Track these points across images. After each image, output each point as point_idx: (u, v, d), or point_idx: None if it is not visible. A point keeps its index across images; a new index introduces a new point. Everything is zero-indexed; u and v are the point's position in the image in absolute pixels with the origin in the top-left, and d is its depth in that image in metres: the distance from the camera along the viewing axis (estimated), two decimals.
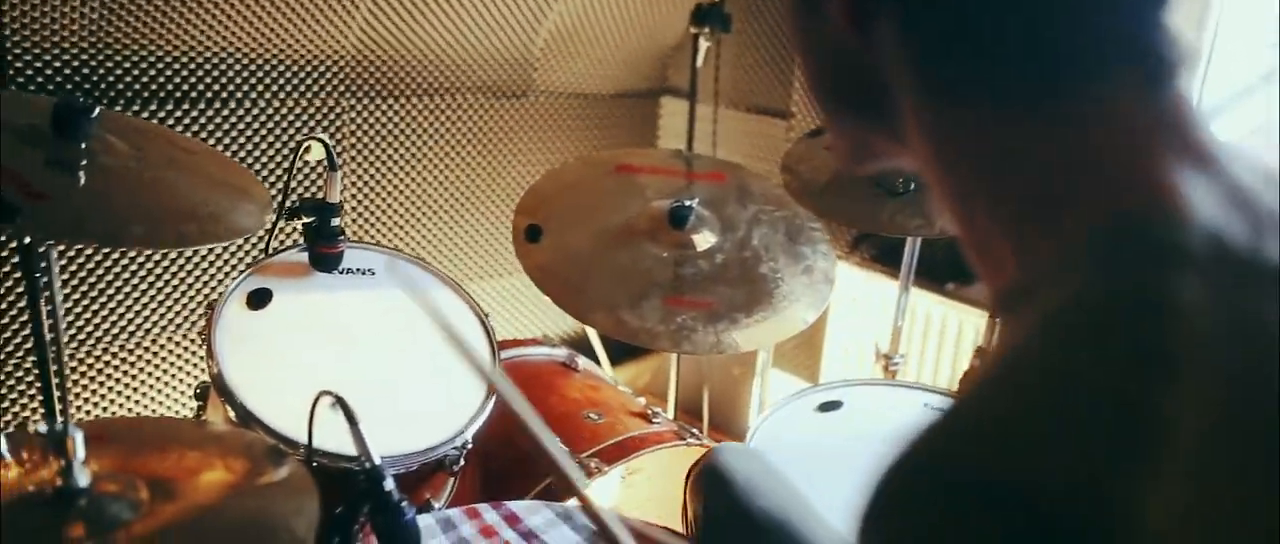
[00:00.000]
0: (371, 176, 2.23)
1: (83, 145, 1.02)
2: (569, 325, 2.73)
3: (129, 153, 1.06)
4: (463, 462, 1.22)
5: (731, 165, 1.78)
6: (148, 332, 1.97)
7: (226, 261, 2.03)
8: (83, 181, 1.00)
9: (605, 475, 1.43)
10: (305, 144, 1.23)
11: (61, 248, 1.80)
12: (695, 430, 1.54)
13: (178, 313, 2.00)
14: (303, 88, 2.08)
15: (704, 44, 2.05)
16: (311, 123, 2.10)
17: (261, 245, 2.06)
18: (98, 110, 1.01)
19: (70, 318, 1.85)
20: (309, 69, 2.07)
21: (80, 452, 0.78)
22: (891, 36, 0.50)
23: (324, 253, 1.26)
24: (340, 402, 1.03)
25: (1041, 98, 0.47)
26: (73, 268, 1.81)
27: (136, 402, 2.01)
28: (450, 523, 1.13)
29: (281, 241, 1.44)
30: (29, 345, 1.80)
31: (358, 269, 1.32)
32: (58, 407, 1.00)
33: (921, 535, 0.41)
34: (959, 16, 0.47)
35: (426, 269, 1.39)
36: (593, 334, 2.67)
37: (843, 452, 1.41)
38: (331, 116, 2.13)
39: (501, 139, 2.48)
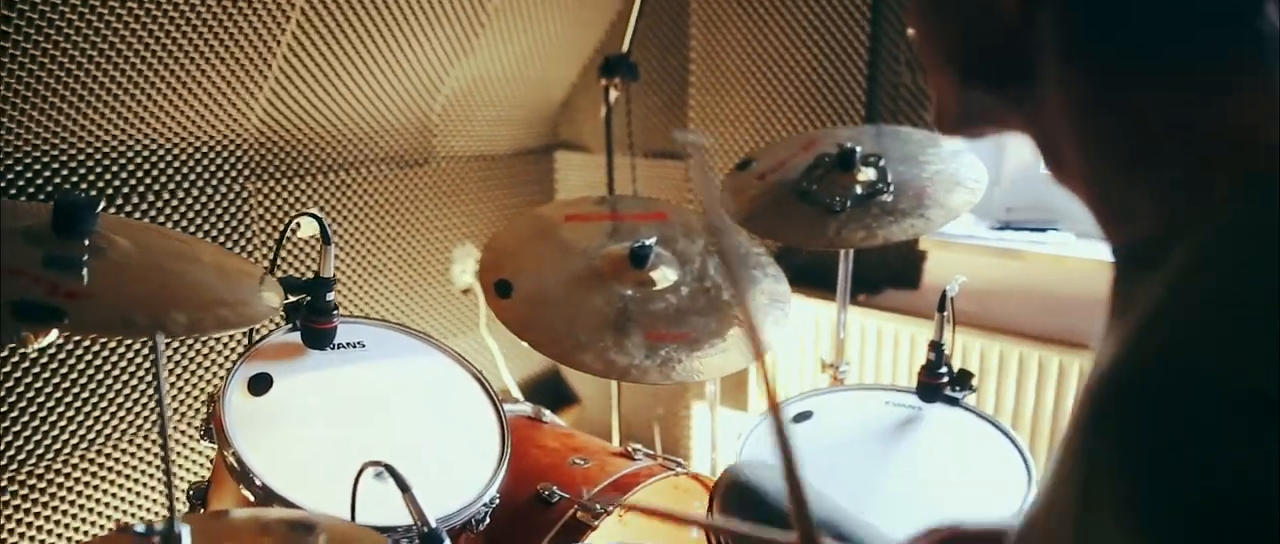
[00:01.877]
0: (284, 257, 2.17)
1: (86, 241, 0.98)
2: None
3: (129, 247, 1.02)
4: (488, 520, 1.22)
5: (668, 204, 1.87)
6: (108, 438, 1.84)
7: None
8: (87, 278, 0.96)
9: (608, 517, 1.45)
10: (294, 221, 1.21)
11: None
12: (679, 462, 1.59)
13: (134, 417, 1.89)
14: (206, 174, 2.01)
15: (614, 94, 2.13)
16: (217, 209, 2.03)
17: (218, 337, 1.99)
18: (102, 204, 0.97)
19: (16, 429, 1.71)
20: (212, 155, 2.01)
21: None
22: (1054, 12, 0.58)
23: (319, 329, 1.24)
24: (390, 470, 1.02)
25: (1189, 67, 0.55)
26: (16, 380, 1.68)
27: (102, 512, 1.87)
28: None
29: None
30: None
31: (348, 343, 1.31)
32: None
33: (1171, 436, 0.45)
34: (1134, 7, 0.56)
35: (414, 335, 1.39)
36: (514, 387, 2.68)
37: (832, 458, 1.50)
38: (238, 201, 2.07)
39: (409, 207, 2.47)
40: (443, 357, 1.37)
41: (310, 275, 1.24)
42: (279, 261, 1.32)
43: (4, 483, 1.73)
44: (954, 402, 1.58)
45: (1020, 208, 2.20)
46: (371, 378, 1.29)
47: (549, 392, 2.91)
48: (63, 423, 1.81)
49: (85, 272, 0.96)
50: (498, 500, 1.21)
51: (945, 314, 1.55)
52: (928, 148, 1.80)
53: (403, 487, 1.01)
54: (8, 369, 1.69)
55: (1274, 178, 0.52)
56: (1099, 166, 0.61)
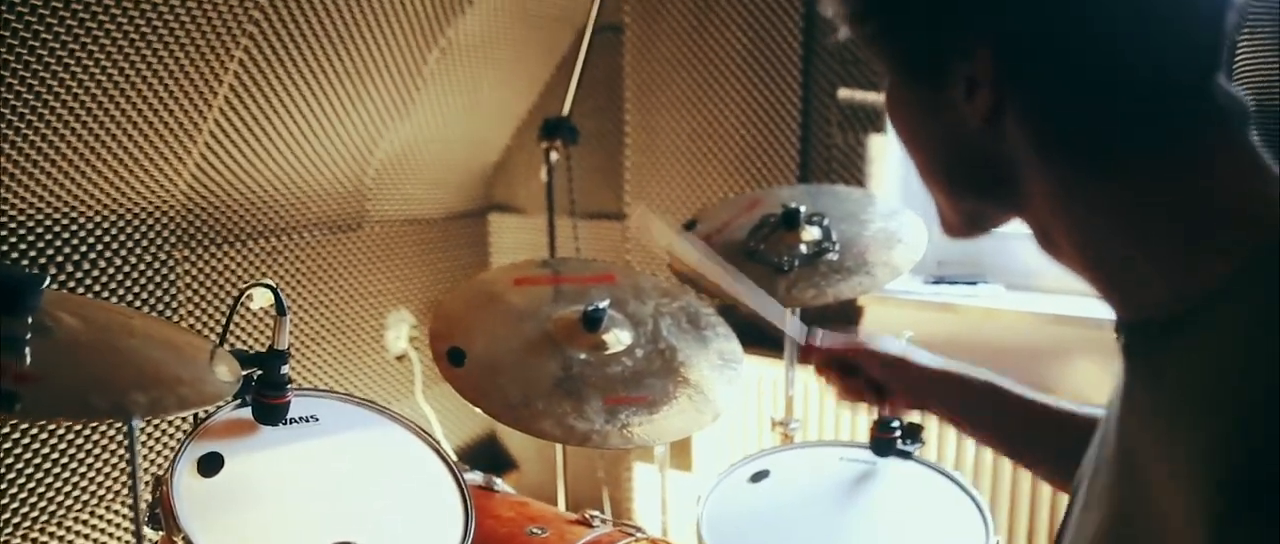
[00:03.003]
0: (215, 326, 2.08)
1: (29, 319, 0.92)
2: None
3: (76, 324, 0.96)
4: None
5: (617, 266, 1.86)
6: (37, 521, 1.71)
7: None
8: (29, 358, 0.90)
9: None
10: (247, 292, 1.16)
11: None
12: (639, 527, 1.57)
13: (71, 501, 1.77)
14: (130, 242, 1.93)
15: (554, 156, 2.14)
16: (144, 279, 1.95)
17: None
18: (47, 280, 0.92)
19: None
20: (138, 222, 1.93)
21: None
22: (1027, 125, 0.60)
23: (273, 404, 1.18)
24: None
25: (1158, 152, 0.59)
26: None
27: None
28: None
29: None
30: None
31: (302, 418, 1.25)
32: None
33: None
34: (1088, 97, 0.58)
35: (369, 407, 1.34)
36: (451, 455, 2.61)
37: (788, 515, 1.50)
38: (164, 270, 1.99)
39: (342, 273, 2.41)
40: (399, 428, 1.33)
41: (259, 348, 1.20)
42: (222, 333, 1.27)
43: None
44: (906, 455, 1.61)
45: (951, 262, 2.28)
46: (328, 453, 1.23)
47: (486, 457, 2.85)
48: None
49: (27, 351, 0.90)
50: None
51: None
52: (866, 206, 1.86)
53: None
54: None
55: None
56: (1094, 252, 0.63)
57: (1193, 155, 0.59)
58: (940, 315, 2.15)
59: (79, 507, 1.83)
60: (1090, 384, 1.99)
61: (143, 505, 0.68)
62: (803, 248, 1.71)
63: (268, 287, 1.15)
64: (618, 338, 1.62)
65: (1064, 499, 1.97)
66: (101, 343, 0.96)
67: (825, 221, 1.74)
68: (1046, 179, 0.62)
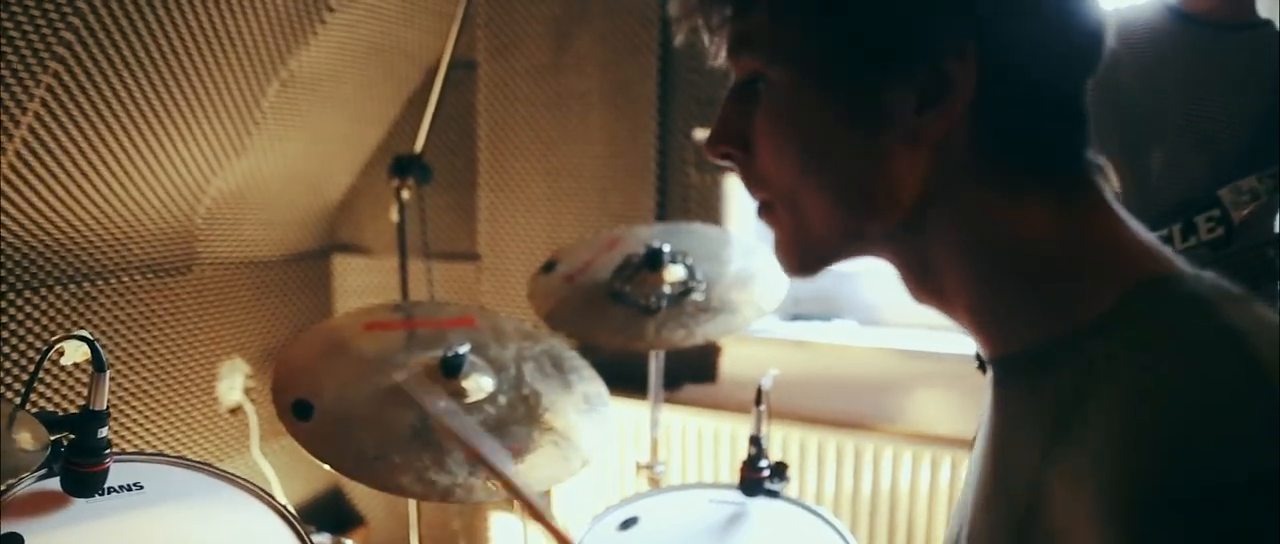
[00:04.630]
0: (16, 385, 1.85)
1: None
2: None
3: None
4: None
5: (476, 309, 1.79)
6: None
7: None
8: None
9: None
10: (57, 345, 1.02)
11: None
12: None
13: None
14: None
15: (406, 194, 2.04)
16: None
17: None
18: None
19: None
20: None
21: None
22: (966, 143, 0.59)
23: (88, 473, 1.04)
24: None
25: (1065, 178, 0.60)
26: None
27: None
28: None
29: None
30: None
31: (121, 486, 1.11)
32: None
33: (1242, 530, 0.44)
34: (1025, 119, 0.59)
35: (204, 470, 1.20)
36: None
37: None
38: None
39: (168, 319, 2.21)
40: (237, 492, 1.20)
41: (71, 409, 1.05)
42: (24, 393, 1.11)
43: None
44: (774, 494, 1.60)
45: (806, 299, 2.32)
46: (155, 527, 1.09)
47: (331, 513, 2.67)
48: None
49: None
50: None
51: (762, 408, 1.57)
52: (725, 245, 1.86)
53: None
54: None
55: (1158, 290, 0.56)
56: (983, 287, 0.62)
57: (1089, 193, 0.61)
58: (797, 353, 2.18)
59: None
60: (935, 415, 2.07)
61: None
62: (667, 288, 1.69)
63: (83, 338, 1.01)
64: (479, 384, 1.54)
65: (926, 528, 2.01)
66: None
67: (689, 261, 1.73)
68: (965, 202, 0.60)
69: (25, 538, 1.00)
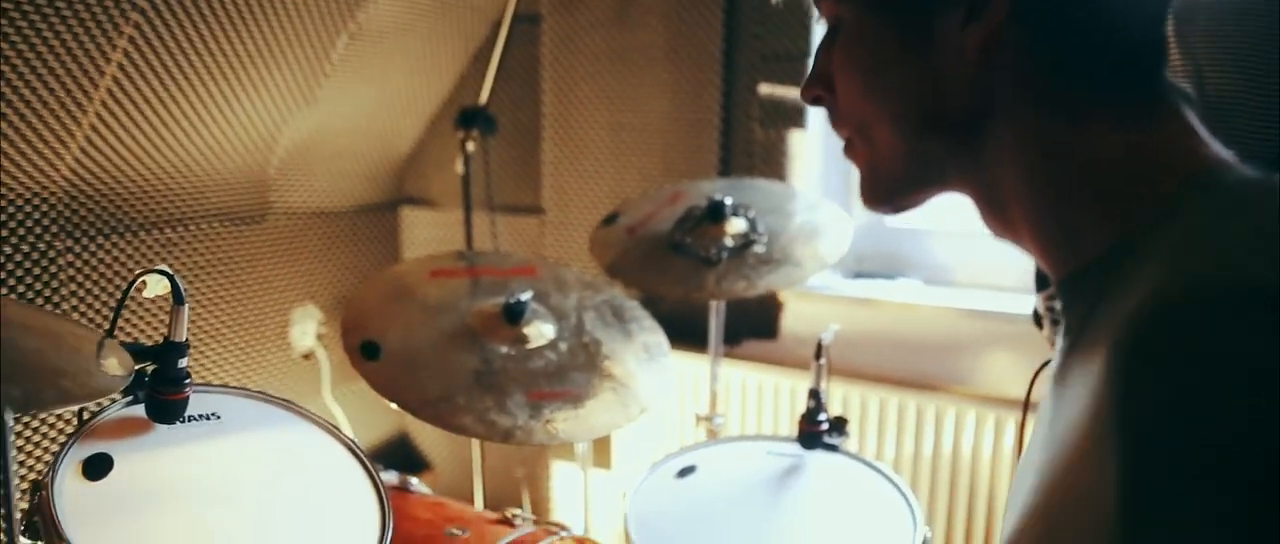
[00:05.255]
0: (103, 320, 1.94)
1: None
2: None
3: None
4: None
5: (539, 259, 1.81)
6: None
7: None
8: None
9: None
10: (140, 278, 1.06)
11: None
12: (564, 526, 1.51)
13: None
14: (6, 231, 1.78)
15: (470, 146, 2.07)
16: (20, 270, 1.80)
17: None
18: None
19: None
20: (14, 209, 1.78)
21: None
22: (1014, 61, 0.60)
23: (170, 401, 1.09)
24: None
25: (1126, 100, 0.60)
26: None
27: None
28: None
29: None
30: None
31: (201, 415, 1.16)
32: None
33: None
34: (1078, 40, 0.59)
35: (277, 403, 1.25)
36: None
37: (715, 509, 1.47)
38: (45, 261, 1.84)
39: (243, 266, 2.28)
40: (309, 426, 1.24)
41: (154, 341, 1.10)
42: (111, 323, 1.16)
43: None
44: (832, 448, 1.60)
45: (870, 257, 2.30)
46: (231, 454, 1.14)
47: (398, 458, 2.75)
48: None
49: None
50: None
51: (822, 362, 1.56)
52: (789, 199, 1.85)
53: None
54: None
55: (1212, 173, 0.57)
56: (1048, 205, 0.63)
57: (1164, 117, 0.61)
58: (861, 311, 2.16)
59: None
60: (1001, 377, 2.03)
61: (17, 514, 0.59)
62: (729, 240, 1.68)
63: (163, 272, 1.05)
64: (540, 331, 1.56)
65: (989, 492, 1.99)
66: None
67: (751, 214, 1.72)
68: (1020, 119, 0.62)
69: (114, 458, 1.05)
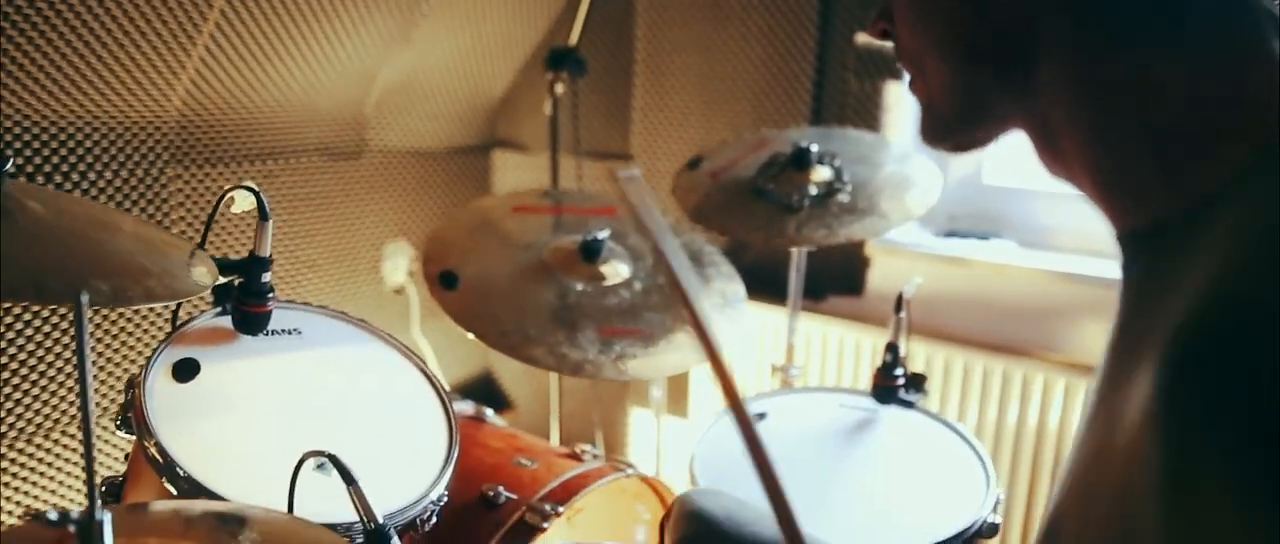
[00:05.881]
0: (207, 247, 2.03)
1: None
2: None
3: (42, 212, 0.91)
4: (434, 519, 1.14)
5: (620, 200, 1.81)
6: (22, 432, 1.68)
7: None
8: None
9: (558, 518, 1.38)
10: (228, 194, 1.11)
11: None
12: (630, 463, 1.53)
13: (52, 409, 1.74)
14: (122, 157, 1.87)
15: (559, 88, 2.07)
16: (134, 194, 1.90)
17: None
18: (10, 161, 0.87)
19: None
20: (129, 137, 1.88)
21: (108, 540, 0.65)
22: None
23: (253, 313, 1.14)
24: (334, 461, 0.94)
25: (1196, 32, 0.54)
26: None
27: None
28: None
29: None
30: None
31: (283, 329, 1.21)
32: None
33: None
34: None
35: (355, 323, 1.29)
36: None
37: (783, 457, 1.46)
38: (157, 187, 1.94)
39: (339, 201, 2.36)
40: (386, 348, 1.28)
41: (243, 256, 1.15)
42: (208, 241, 1.22)
43: None
44: (908, 404, 1.56)
45: (963, 216, 2.22)
46: (309, 367, 1.19)
47: (482, 394, 2.82)
48: None
49: None
50: (446, 498, 1.13)
51: (901, 316, 1.52)
52: (878, 149, 1.79)
53: (348, 479, 0.93)
54: None
55: None
56: (1105, 148, 0.59)
57: (1227, 46, 0.54)
58: (950, 269, 2.10)
59: (49, 423, 1.80)
60: (1095, 345, 1.94)
61: (92, 395, 0.63)
62: (813, 188, 1.65)
63: (250, 189, 1.10)
64: (616, 270, 1.57)
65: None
66: (66, 230, 0.91)
67: (836, 162, 1.68)
68: (1067, 48, 0.57)
69: (201, 363, 1.11)
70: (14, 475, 1.75)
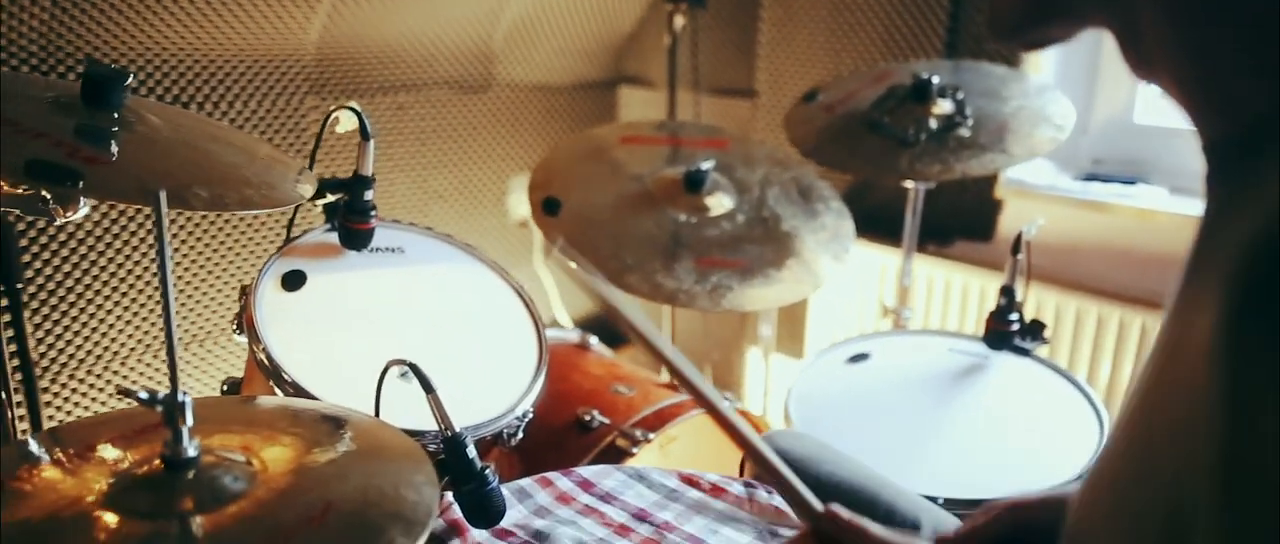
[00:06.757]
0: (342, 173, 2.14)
1: (115, 114, 0.94)
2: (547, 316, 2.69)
3: (159, 124, 0.99)
4: (521, 434, 1.18)
5: (732, 133, 1.78)
6: (142, 347, 1.85)
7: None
8: (116, 151, 0.92)
9: (648, 445, 1.40)
10: (334, 115, 1.16)
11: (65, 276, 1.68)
12: (727, 395, 1.52)
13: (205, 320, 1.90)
14: (264, 87, 1.99)
15: (679, 20, 2.05)
16: (276, 123, 2.02)
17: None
18: (131, 76, 0.94)
19: (65, 340, 1.72)
20: (271, 68, 1.99)
21: (190, 421, 0.71)
22: None
23: (357, 229, 1.20)
24: (414, 369, 0.98)
25: None
26: (57, 292, 1.69)
27: None
28: (525, 492, 1.09)
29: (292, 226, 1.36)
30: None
31: (387, 247, 1.27)
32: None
33: None
34: None
35: (456, 245, 1.34)
36: (566, 322, 2.63)
37: (882, 398, 1.42)
38: (296, 116, 2.05)
39: (467, 133, 2.43)
40: (484, 268, 1.32)
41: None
42: (311, 154, 1.28)
43: (50, 384, 1.76)
44: (1023, 352, 1.48)
45: (1109, 159, 2.06)
46: (408, 283, 1.24)
47: (602, 331, 2.87)
48: (92, 333, 1.83)
49: (113, 143, 0.92)
50: (531, 415, 1.16)
51: (1019, 258, 1.44)
52: (1010, 83, 1.68)
53: (427, 387, 0.97)
54: (48, 277, 1.71)
55: None
56: (1194, 45, 0.52)
57: None
58: (1088, 214, 1.96)
59: (142, 349, 1.96)
60: None
61: (172, 288, 0.68)
62: (932, 121, 1.57)
63: (353, 110, 1.14)
64: (719, 201, 1.55)
65: None
66: (179, 142, 0.98)
67: (960, 95, 1.59)
68: None
69: (308, 275, 1.18)
70: (145, 384, 1.92)
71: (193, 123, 1.07)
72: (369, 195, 1.19)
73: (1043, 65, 2.04)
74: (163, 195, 0.64)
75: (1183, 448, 0.46)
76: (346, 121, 1.16)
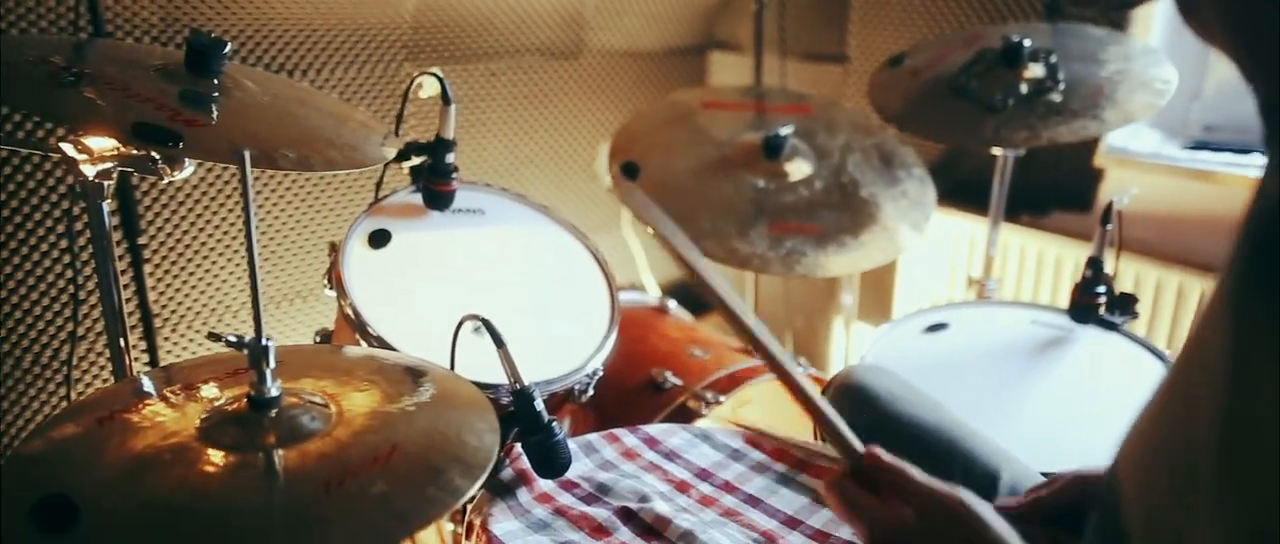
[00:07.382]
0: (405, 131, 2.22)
1: (215, 80, 1.02)
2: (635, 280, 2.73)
3: (258, 91, 1.05)
4: (591, 391, 1.22)
5: (815, 98, 1.77)
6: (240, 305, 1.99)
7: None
8: (216, 115, 0.99)
9: (720, 407, 1.42)
10: (417, 80, 1.22)
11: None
12: (801, 360, 1.53)
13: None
14: (364, 55, 2.07)
15: None
16: (376, 89, 2.10)
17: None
18: (229, 45, 1.01)
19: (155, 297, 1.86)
20: (369, 37, 2.07)
21: (273, 363, 0.77)
22: None
23: (439, 191, 1.25)
24: (486, 324, 1.03)
25: None
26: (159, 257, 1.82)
27: None
28: (592, 447, 1.13)
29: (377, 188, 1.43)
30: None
31: (468, 209, 1.32)
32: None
33: None
34: None
35: (534, 207, 1.38)
36: (652, 287, 2.67)
37: (956, 368, 1.40)
38: (393, 83, 2.13)
39: (558, 100, 2.47)
40: (562, 230, 1.36)
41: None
42: (397, 118, 1.34)
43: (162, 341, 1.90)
44: (1111, 326, 1.44)
45: (1222, 126, 1.96)
46: (488, 243, 1.29)
47: (686, 297, 2.89)
48: (198, 291, 1.95)
49: (214, 108, 0.99)
50: (601, 373, 1.20)
51: (1109, 228, 1.39)
52: (1109, 47, 1.62)
53: (498, 341, 1.01)
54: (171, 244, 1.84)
55: None
56: (1242, 6, 0.51)
57: None
58: (1195, 184, 1.87)
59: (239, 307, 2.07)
60: None
61: (257, 244, 0.74)
62: (1022, 86, 1.52)
63: (435, 75, 1.19)
64: (798, 167, 1.55)
65: None
66: (272, 107, 1.04)
67: (1052, 59, 1.54)
68: None
69: (392, 234, 1.24)
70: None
71: (286, 89, 1.14)
72: (450, 158, 1.24)
73: (1151, 28, 1.94)
74: (247, 155, 0.69)
75: (1199, 393, 0.49)
76: (429, 87, 1.21)
